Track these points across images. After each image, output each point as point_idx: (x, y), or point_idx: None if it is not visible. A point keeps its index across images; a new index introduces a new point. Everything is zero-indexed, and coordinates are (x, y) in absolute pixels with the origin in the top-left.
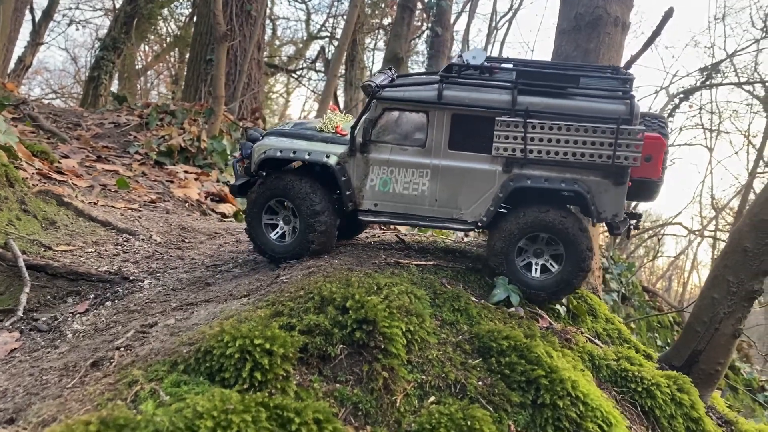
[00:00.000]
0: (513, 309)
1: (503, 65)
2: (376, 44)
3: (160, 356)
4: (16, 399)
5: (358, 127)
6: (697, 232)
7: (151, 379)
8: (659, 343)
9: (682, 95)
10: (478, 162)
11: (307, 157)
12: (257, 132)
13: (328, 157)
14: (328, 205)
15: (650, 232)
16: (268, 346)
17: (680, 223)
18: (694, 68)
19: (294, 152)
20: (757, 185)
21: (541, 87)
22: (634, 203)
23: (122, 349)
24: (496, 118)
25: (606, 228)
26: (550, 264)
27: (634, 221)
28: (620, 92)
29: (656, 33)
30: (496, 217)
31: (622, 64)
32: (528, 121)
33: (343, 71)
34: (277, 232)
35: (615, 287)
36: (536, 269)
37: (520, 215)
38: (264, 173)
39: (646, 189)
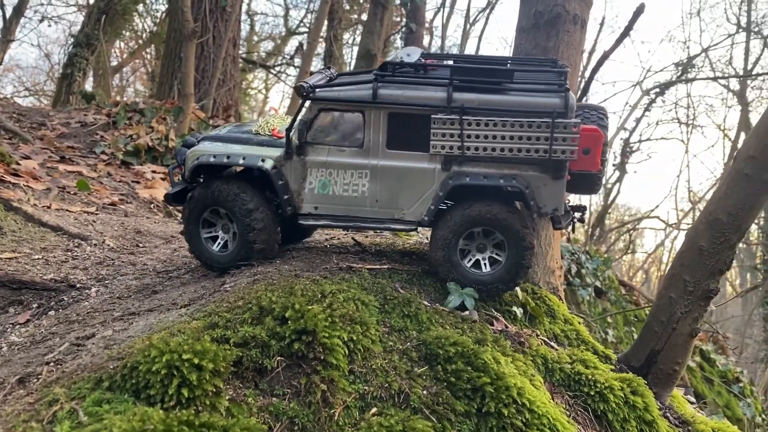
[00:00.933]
0: (467, 313)
1: (444, 62)
2: (354, 40)
3: (86, 372)
4: None
5: (293, 130)
6: (673, 225)
7: (73, 398)
8: (636, 336)
9: (658, 90)
10: (416, 161)
11: (241, 161)
12: (194, 137)
13: (263, 161)
14: (262, 202)
15: (628, 226)
16: (197, 360)
17: (658, 217)
18: (669, 63)
19: (228, 157)
20: None
21: (476, 83)
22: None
23: (52, 364)
24: (432, 116)
25: (551, 223)
26: (497, 254)
27: (578, 214)
28: (555, 86)
29: (628, 29)
30: (437, 215)
31: (593, 62)
32: (464, 117)
33: (322, 67)
34: (219, 243)
35: (590, 282)
36: (485, 264)
37: (448, 219)
38: (201, 180)
39: (587, 182)
